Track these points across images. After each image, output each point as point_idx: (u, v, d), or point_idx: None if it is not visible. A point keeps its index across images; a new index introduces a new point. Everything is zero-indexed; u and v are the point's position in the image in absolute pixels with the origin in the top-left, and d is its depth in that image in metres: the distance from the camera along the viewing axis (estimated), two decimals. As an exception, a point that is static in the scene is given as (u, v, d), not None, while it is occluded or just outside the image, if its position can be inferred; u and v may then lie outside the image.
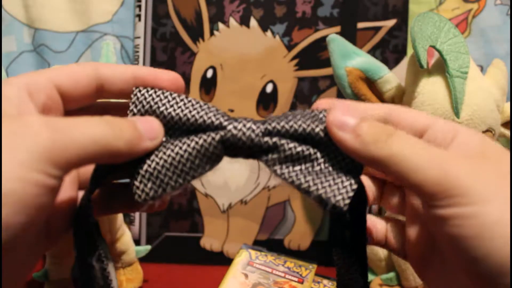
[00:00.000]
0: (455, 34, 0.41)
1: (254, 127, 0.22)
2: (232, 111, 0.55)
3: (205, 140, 0.22)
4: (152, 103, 0.23)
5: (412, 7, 0.55)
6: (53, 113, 0.22)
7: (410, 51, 0.54)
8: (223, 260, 0.56)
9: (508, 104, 0.44)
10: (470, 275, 0.20)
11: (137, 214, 0.56)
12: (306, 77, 0.55)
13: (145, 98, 0.23)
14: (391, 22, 0.55)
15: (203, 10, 0.55)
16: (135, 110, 0.23)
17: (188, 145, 0.22)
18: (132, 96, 0.23)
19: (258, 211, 0.57)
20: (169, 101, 0.23)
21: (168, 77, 0.24)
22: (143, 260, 0.52)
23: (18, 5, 0.55)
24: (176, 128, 0.23)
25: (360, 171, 0.22)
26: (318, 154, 0.22)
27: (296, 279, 0.43)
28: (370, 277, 0.50)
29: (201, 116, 0.22)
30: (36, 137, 0.18)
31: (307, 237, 0.57)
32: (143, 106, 0.23)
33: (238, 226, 0.57)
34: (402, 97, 0.43)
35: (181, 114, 0.22)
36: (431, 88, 0.41)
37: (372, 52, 0.55)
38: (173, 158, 0.22)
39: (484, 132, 0.41)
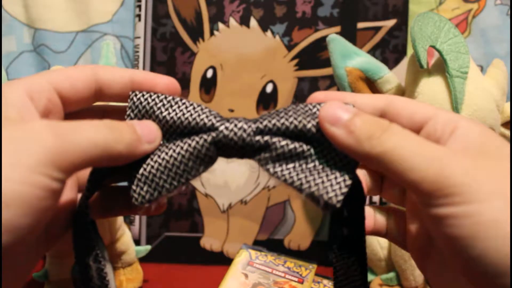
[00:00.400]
0: (455, 34, 0.41)
1: (245, 126, 0.22)
2: (232, 111, 0.55)
3: (197, 142, 0.22)
4: (148, 107, 0.23)
5: (412, 7, 0.55)
6: (54, 116, 0.22)
7: (410, 51, 0.54)
8: (223, 260, 0.56)
9: (508, 104, 0.44)
10: (467, 274, 0.20)
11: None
12: (306, 77, 0.55)
13: (141, 102, 0.23)
14: (391, 22, 0.55)
15: (203, 10, 0.55)
16: (132, 115, 0.23)
17: (181, 148, 0.22)
18: (129, 100, 0.24)
19: (258, 211, 0.57)
20: (164, 105, 0.23)
21: (164, 81, 0.24)
22: (143, 260, 0.52)
23: (18, 5, 0.55)
24: (172, 131, 0.23)
25: (355, 167, 0.22)
26: (311, 151, 0.22)
27: (296, 279, 0.43)
28: (370, 277, 0.50)
29: (194, 118, 0.22)
30: (41, 142, 0.18)
31: (307, 237, 0.57)
32: (140, 111, 0.23)
33: (238, 226, 0.57)
34: (402, 97, 0.43)
35: (175, 117, 0.23)
36: (431, 88, 0.41)
37: (372, 52, 0.55)
38: (167, 161, 0.22)
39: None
